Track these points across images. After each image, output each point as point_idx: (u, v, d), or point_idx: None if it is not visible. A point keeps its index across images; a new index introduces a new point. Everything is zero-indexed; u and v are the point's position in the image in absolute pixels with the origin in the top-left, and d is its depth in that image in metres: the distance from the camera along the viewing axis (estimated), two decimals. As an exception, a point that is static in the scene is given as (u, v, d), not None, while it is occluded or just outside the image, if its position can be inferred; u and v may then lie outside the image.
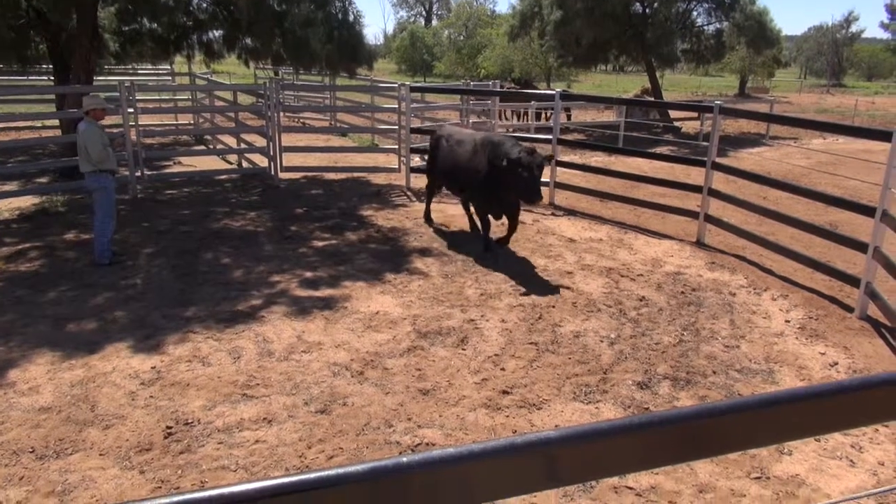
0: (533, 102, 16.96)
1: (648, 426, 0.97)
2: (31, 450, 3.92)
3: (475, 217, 8.07)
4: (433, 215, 9.13)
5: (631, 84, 37.75)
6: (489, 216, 7.61)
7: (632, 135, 16.07)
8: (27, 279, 6.65)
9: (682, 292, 6.56)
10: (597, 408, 4.48)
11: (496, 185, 7.12)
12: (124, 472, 3.76)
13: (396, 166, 11.62)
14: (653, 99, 20.02)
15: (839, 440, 4.12)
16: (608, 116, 20.73)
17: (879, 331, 5.78)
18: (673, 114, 20.16)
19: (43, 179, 11.08)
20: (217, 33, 12.54)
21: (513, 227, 7.53)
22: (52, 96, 12.81)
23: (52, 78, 12.33)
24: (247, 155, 12.50)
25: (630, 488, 3.64)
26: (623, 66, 28.74)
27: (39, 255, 7.40)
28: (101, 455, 3.91)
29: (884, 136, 5.83)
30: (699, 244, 8.11)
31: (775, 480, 3.76)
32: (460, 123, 12.43)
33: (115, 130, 9.90)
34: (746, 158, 14.30)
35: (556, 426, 4.03)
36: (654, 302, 6.30)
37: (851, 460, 3.96)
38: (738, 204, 7.82)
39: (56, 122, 13.09)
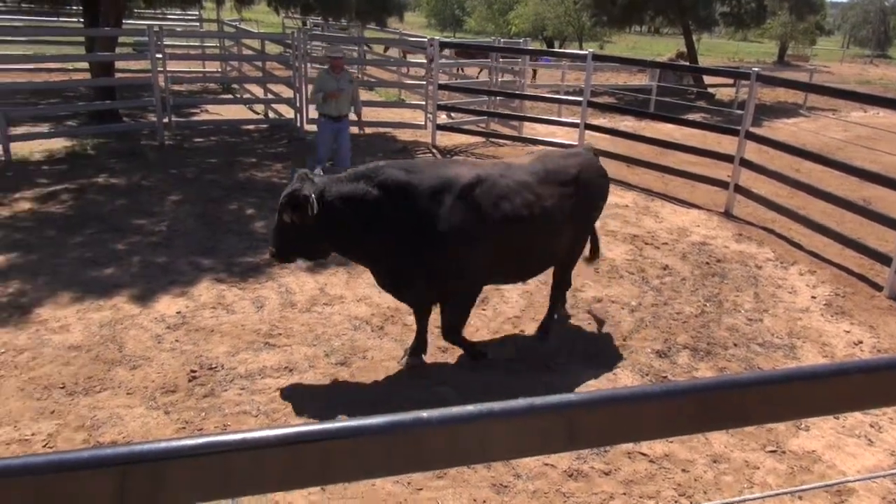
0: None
1: (669, 395, 0.96)
2: (61, 385, 4.06)
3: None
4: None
5: (665, 47, 36.70)
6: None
7: (664, 100, 15.68)
8: (57, 221, 6.78)
9: (707, 263, 6.48)
10: (614, 374, 4.50)
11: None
12: (150, 411, 3.88)
13: (423, 123, 11.50)
14: (687, 63, 19.46)
15: (858, 419, 4.09)
16: (640, 80, 20.24)
17: (907, 311, 5.68)
18: (707, 80, 19.60)
19: (72, 123, 11.17)
20: (247, -21, 12.39)
21: (443, 320, 4.35)
22: (82, 39, 12.81)
23: (82, 20, 12.31)
24: (273, 105, 12.46)
25: (644, 455, 3.67)
26: (658, 28, 27.94)
27: (70, 197, 7.52)
28: (128, 394, 4.03)
29: (929, 110, 5.62)
30: (727, 215, 7.98)
31: (790, 455, 3.77)
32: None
33: (148, 76, 9.88)
34: (782, 129, 13.92)
35: (573, 390, 4.06)
36: (678, 271, 6.24)
37: (870, 439, 3.94)
38: (770, 175, 7.65)
39: (86, 64, 13.10)
